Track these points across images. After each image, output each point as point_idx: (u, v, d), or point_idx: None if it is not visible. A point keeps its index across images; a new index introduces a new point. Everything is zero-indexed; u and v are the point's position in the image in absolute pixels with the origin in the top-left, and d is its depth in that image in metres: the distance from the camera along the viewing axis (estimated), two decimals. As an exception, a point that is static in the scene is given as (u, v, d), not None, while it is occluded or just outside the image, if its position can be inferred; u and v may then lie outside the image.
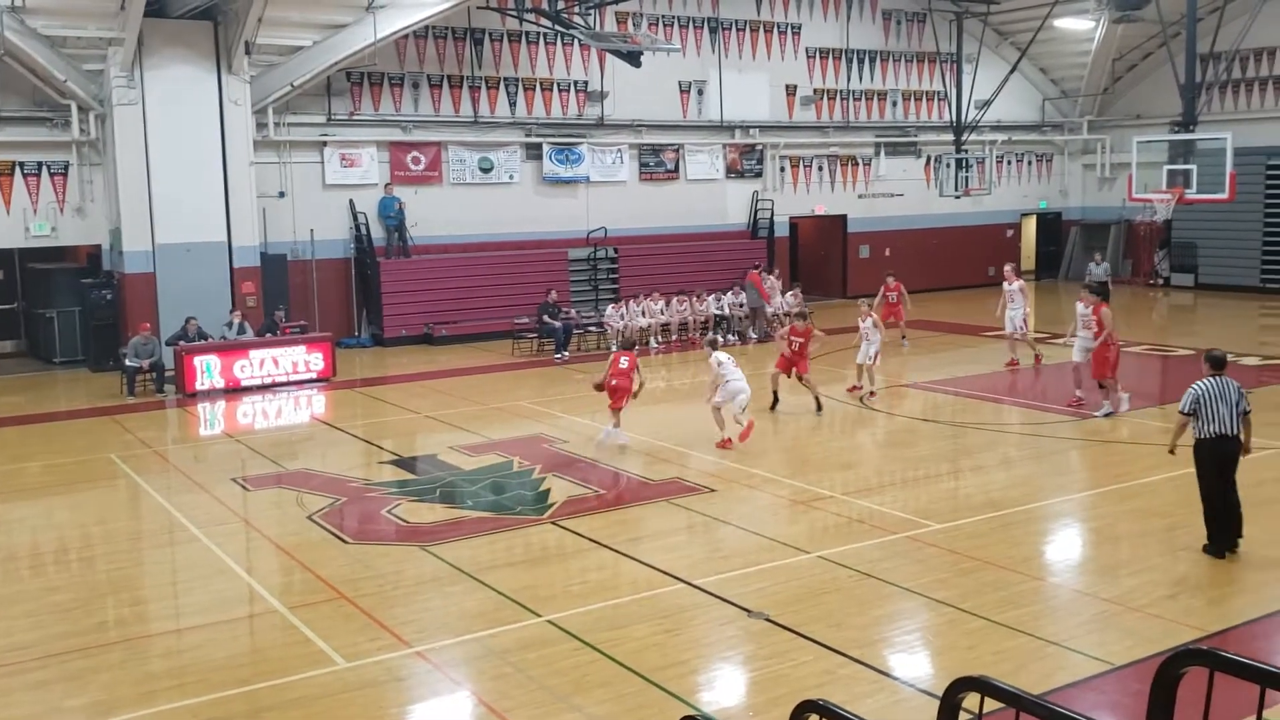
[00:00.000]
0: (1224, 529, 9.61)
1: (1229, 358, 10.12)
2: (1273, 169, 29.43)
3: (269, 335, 20.06)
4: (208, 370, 18.73)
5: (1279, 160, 29.29)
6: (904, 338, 22.13)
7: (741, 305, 24.31)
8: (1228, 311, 27.28)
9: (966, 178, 27.90)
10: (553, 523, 11.11)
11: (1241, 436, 9.53)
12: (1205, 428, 9.49)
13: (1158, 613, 8.34)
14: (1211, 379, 9.60)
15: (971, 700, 2.90)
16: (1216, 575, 9.24)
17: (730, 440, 14.12)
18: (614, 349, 18.46)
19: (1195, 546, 9.86)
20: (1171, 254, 32.10)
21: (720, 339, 18.77)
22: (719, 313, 24.15)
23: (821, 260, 31.81)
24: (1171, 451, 10.14)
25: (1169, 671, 2.40)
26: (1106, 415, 15.24)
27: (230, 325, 19.87)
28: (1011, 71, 28.84)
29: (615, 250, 26.57)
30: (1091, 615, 8.40)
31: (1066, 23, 29.18)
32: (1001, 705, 2.76)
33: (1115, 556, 9.93)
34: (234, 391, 18.81)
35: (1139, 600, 8.61)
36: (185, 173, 20.49)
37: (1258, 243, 30.05)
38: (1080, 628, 8.15)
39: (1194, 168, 20.03)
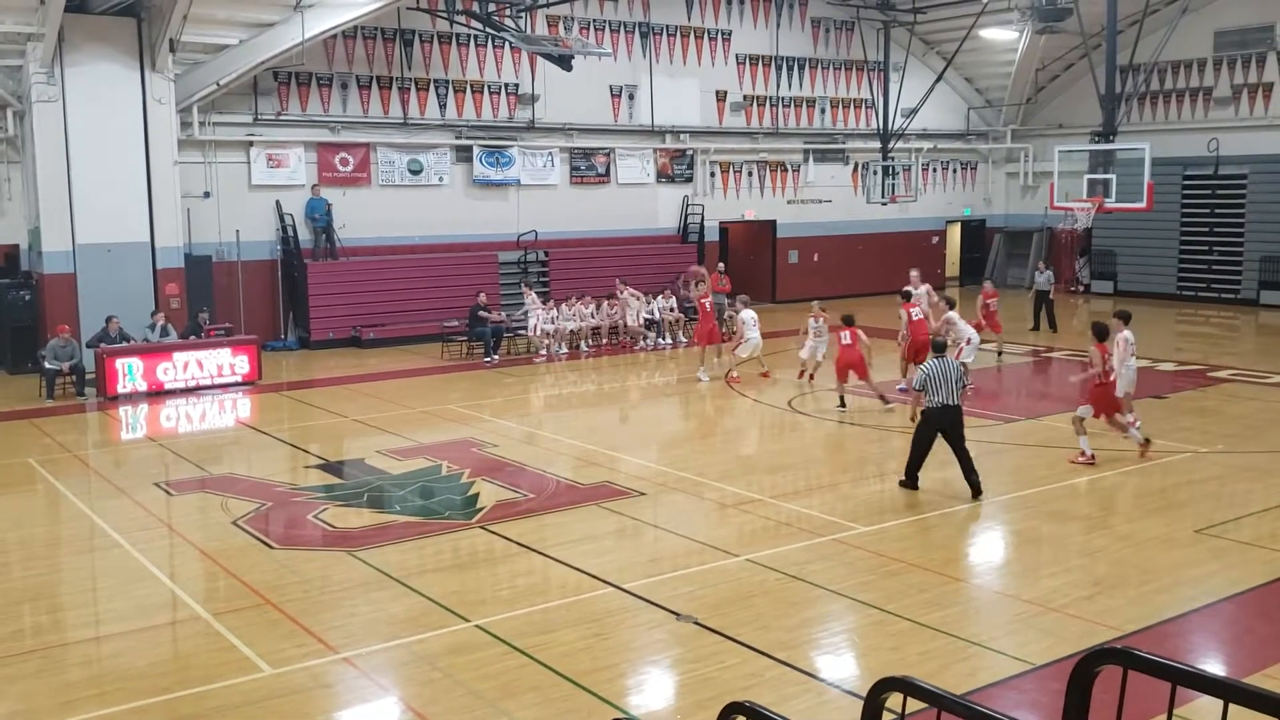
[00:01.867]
0: (913, 474, 11.99)
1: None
2: (1189, 179, 30.28)
3: (193, 337, 19.71)
4: (129, 373, 18.34)
5: (1195, 171, 30.16)
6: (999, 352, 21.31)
7: (673, 310, 24.42)
8: (1145, 318, 27.85)
9: (893, 185, 28.39)
10: (482, 527, 11.06)
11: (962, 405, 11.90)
12: (933, 399, 11.58)
13: (1076, 613, 8.54)
14: (936, 361, 11.85)
15: (895, 700, 2.96)
16: (1133, 575, 9.47)
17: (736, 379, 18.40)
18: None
19: (1114, 549, 10.13)
20: (1092, 261, 32.87)
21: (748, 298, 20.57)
22: (649, 316, 24.21)
23: (751, 265, 32.03)
24: (913, 419, 12.38)
25: (1084, 670, 2.46)
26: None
27: (153, 327, 19.49)
28: (937, 80, 29.35)
29: (546, 253, 26.53)
30: (1012, 616, 8.57)
31: (991, 33, 29.76)
32: (924, 705, 2.81)
33: (1035, 558, 10.14)
34: (157, 395, 18.45)
35: (1058, 601, 8.80)
36: (107, 172, 20.06)
37: (1174, 251, 30.89)
38: (1001, 628, 8.31)
39: (1113, 177, 20.55)
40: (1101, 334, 13.34)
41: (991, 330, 20.59)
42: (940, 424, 11.65)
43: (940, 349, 12.32)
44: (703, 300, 19.63)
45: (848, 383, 16.54)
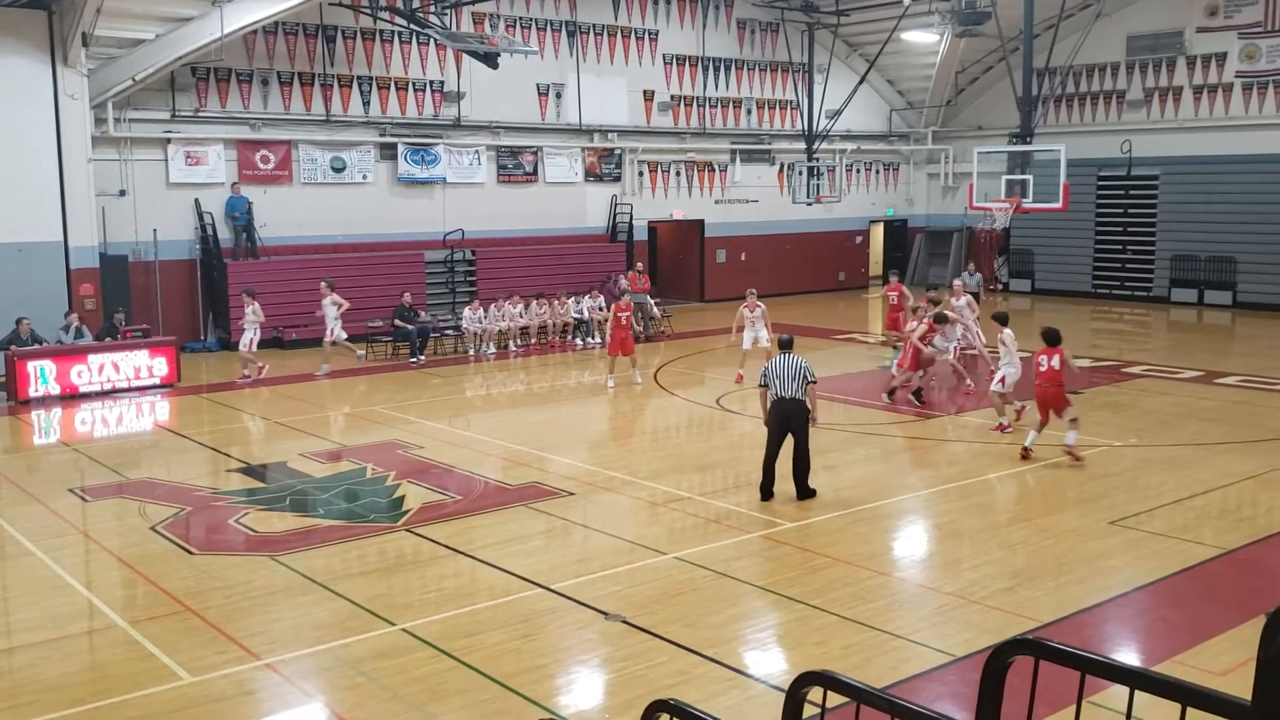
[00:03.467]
0: (769, 478, 11.70)
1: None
2: (1103, 180, 31.03)
3: (109, 339, 19.26)
4: (42, 376, 17.88)
5: (1109, 172, 30.90)
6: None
7: (601, 309, 24.42)
8: (1062, 315, 28.51)
9: (818, 185, 28.70)
10: (408, 530, 10.96)
11: (807, 401, 11.49)
12: (773, 393, 11.57)
13: (996, 605, 8.70)
14: (780, 356, 11.78)
15: (817, 694, 2.99)
16: (1051, 567, 9.68)
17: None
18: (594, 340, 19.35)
19: (1032, 541, 10.35)
20: (1010, 260, 33.51)
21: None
22: (578, 316, 24.19)
23: (679, 264, 32.17)
24: (766, 423, 11.79)
25: (996, 661, 2.51)
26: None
27: (67, 329, 19.00)
28: (860, 82, 29.72)
29: (473, 253, 26.36)
30: (935, 608, 8.71)
31: (912, 36, 30.20)
32: (845, 699, 2.84)
33: (957, 551, 10.31)
34: (71, 398, 18.01)
35: (979, 593, 8.96)
36: (17, 169, 19.49)
37: (1089, 250, 31.65)
38: (924, 621, 8.44)
39: (1030, 178, 20.95)
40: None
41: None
42: (778, 416, 11.55)
43: (786, 345, 11.95)
44: (620, 312, 18.56)
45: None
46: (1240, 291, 28.92)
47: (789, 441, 11.67)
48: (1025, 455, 13.27)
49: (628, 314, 18.89)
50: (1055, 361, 13.05)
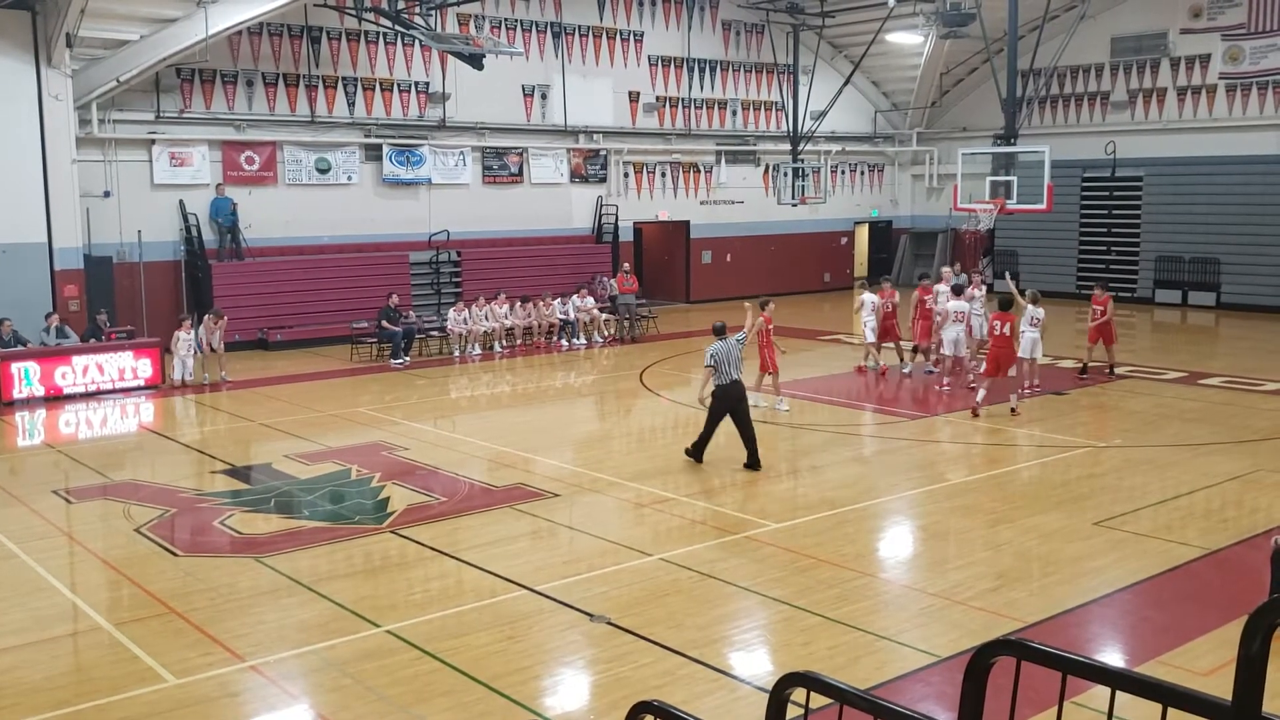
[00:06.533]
0: (703, 448, 13.05)
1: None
2: (1087, 181, 31.16)
3: (92, 340, 19.17)
4: (26, 378, 17.79)
5: (1093, 173, 31.04)
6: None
7: (587, 310, 24.39)
8: (1047, 317, 28.60)
9: (803, 186, 28.74)
10: (393, 531, 10.95)
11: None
12: (723, 377, 12.65)
13: (982, 605, 8.73)
14: (721, 341, 12.86)
15: (800, 695, 3.00)
16: (1036, 568, 9.72)
17: None
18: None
19: (1017, 542, 10.38)
20: (994, 261, 33.59)
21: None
22: (564, 317, 24.16)
23: (665, 265, 32.18)
24: (701, 401, 13.17)
25: (979, 662, 2.52)
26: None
27: (47, 330, 18.90)
28: (845, 84, 29.77)
29: (458, 254, 26.32)
30: (920, 609, 8.74)
31: (897, 37, 30.26)
32: (829, 700, 2.85)
33: (942, 552, 10.34)
34: (55, 400, 17.92)
35: (964, 594, 8.99)
36: (0, 170, 19.40)
37: (1073, 251, 31.77)
38: (909, 621, 8.47)
39: (1015, 179, 21.01)
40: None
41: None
42: (730, 399, 12.71)
43: (720, 332, 13.19)
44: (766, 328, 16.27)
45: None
46: (1224, 292, 29.06)
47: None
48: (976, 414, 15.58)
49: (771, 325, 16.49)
50: (1008, 328, 15.81)
